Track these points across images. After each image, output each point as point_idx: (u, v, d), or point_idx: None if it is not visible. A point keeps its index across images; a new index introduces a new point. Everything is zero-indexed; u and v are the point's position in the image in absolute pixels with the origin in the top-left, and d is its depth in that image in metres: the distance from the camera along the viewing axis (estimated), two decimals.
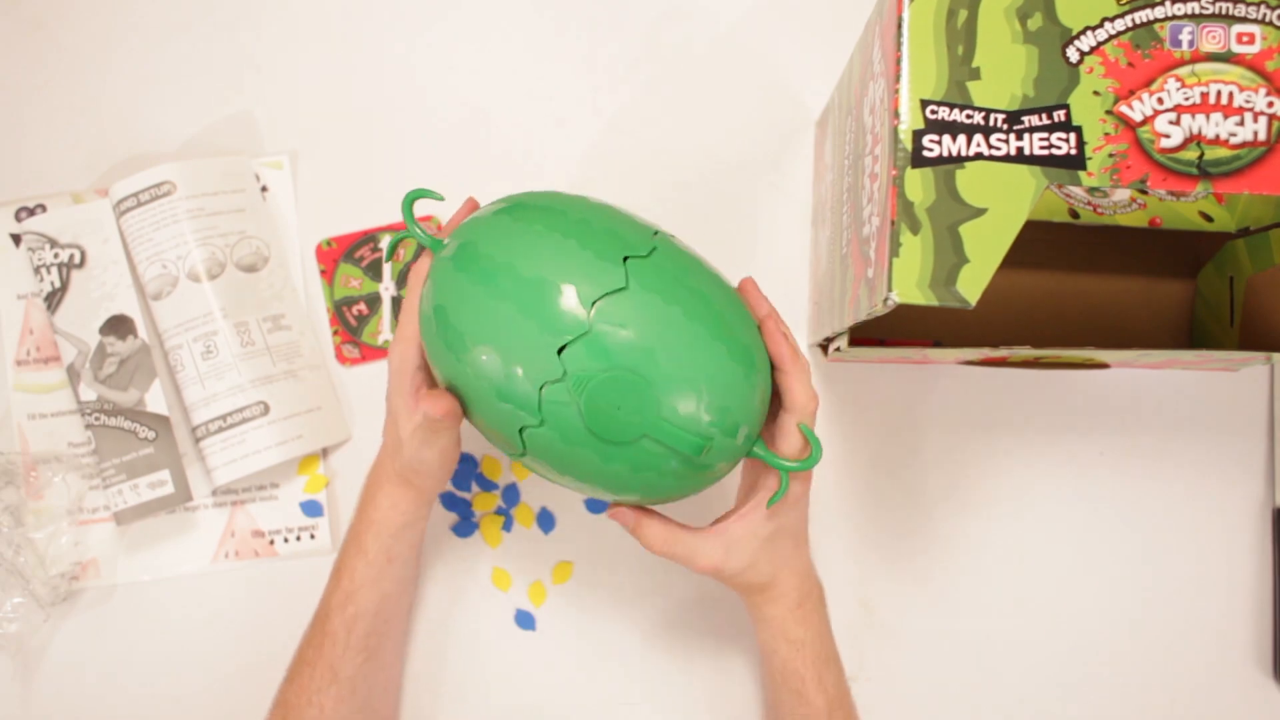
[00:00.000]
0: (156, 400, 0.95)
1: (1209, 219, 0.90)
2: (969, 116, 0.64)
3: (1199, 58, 0.65)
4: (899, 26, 0.65)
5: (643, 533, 0.78)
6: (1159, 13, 0.65)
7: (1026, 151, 0.64)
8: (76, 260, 0.96)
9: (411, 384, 0.78)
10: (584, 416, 0.68)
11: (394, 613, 0.89)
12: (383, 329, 0.98)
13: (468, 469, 0.97)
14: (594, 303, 0.68)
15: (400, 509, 0.85)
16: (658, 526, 0.78)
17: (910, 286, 0.63)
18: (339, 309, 0.98)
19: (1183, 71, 0.64)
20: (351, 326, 0.98)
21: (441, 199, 0.76)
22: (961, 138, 0.64)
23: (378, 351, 0.98)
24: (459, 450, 0.83)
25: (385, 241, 0.98)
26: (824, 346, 0.89)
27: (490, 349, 0.70)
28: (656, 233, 0.73)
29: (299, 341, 0.97)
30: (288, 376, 0.96)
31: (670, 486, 0.72)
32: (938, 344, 0.93)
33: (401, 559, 0.87)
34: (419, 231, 0.76)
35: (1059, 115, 0.64)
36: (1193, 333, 0.94)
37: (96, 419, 0.95)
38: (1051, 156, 0.64)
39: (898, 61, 0.65)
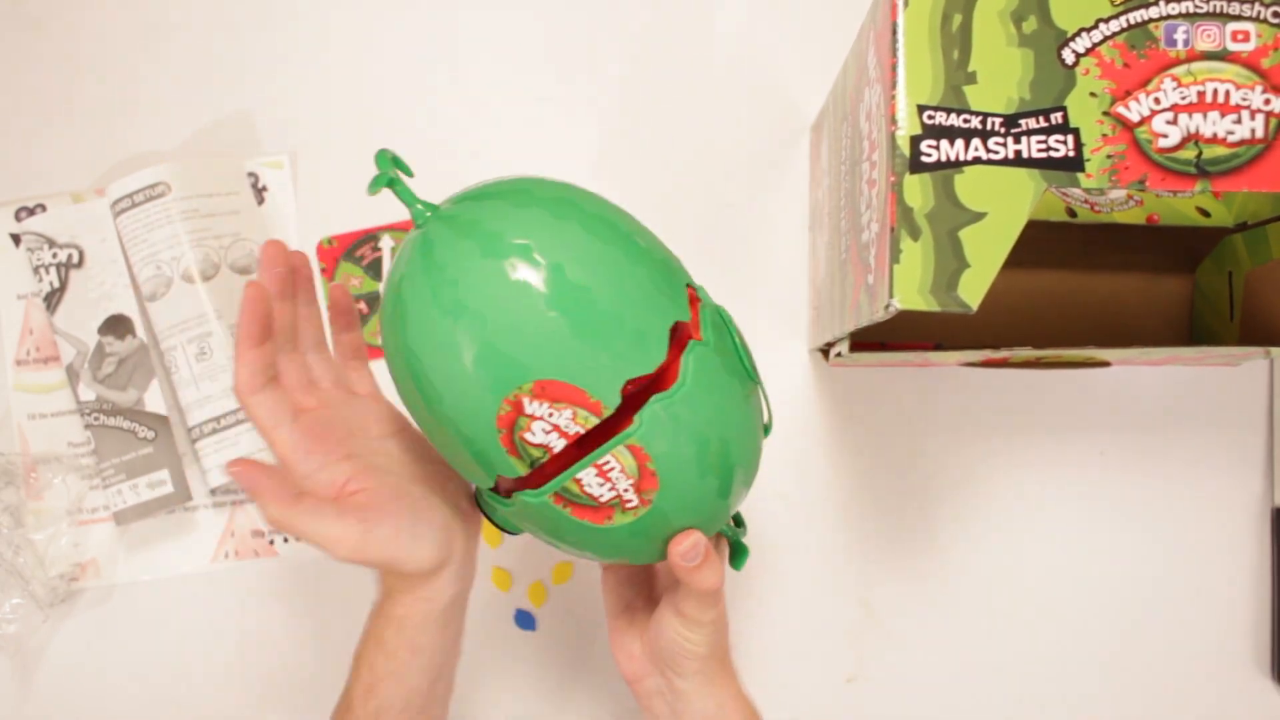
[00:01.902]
0: (155, 400, 0.95)
1: (1206, 214, 0.90)
2: (966, 121, 0.64)
3: (1195, 57, 0.64)
4: (894, 32, 0.65)
5: (710, 569, 0.70)
6: (1153, 12, 0.64)
7: (1024, 154, 0.64)
8: (75, 260, 0.96)
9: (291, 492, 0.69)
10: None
11: (427, 701, 0.78)
12: None
13: None
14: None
15: (419, 597, 0.75)
16: (716, 564, 0.70)
17: (911, 293, 0.63)
18: None
19: (1179, 71, 0.64)
20: None
21: (411, 174, 0.68)
22: (959, 142, 0.64)
23: (378, 351, 0.98)
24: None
25: (386, 240, 0.98)
26: (825, 351, 0.89)
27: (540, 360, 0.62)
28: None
29: None
30: None
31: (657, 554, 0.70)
32: (939, 346, 0.93)
33: (431, 649, 0.76)
34: (403, 190, 0.66)
35: (1056, 117, 0.64)
36: (1192, 328, 0.94)
37: (96, 419, 0.95)
38: (1050, 159, 0.64)
39: (893, 67, 0.65)
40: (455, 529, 0.74)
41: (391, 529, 0.70)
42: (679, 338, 0.65)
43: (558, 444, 0.63)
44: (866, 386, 0.95)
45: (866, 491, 0.94)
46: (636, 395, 0.64)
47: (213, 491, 0.97)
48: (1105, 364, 0.92)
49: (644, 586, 0.81)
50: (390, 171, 0.66)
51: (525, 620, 0.96)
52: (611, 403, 0.62)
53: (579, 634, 0.96)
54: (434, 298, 0.62)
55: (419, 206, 0.65)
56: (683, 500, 0.66)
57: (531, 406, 0.62)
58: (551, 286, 0.61)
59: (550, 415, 0.62)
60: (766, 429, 0.73)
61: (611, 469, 0.64)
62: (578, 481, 0.64)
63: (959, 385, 0.95)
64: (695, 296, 0.68)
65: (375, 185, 0.65)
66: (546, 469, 0.65)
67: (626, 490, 0.65)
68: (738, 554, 0.76)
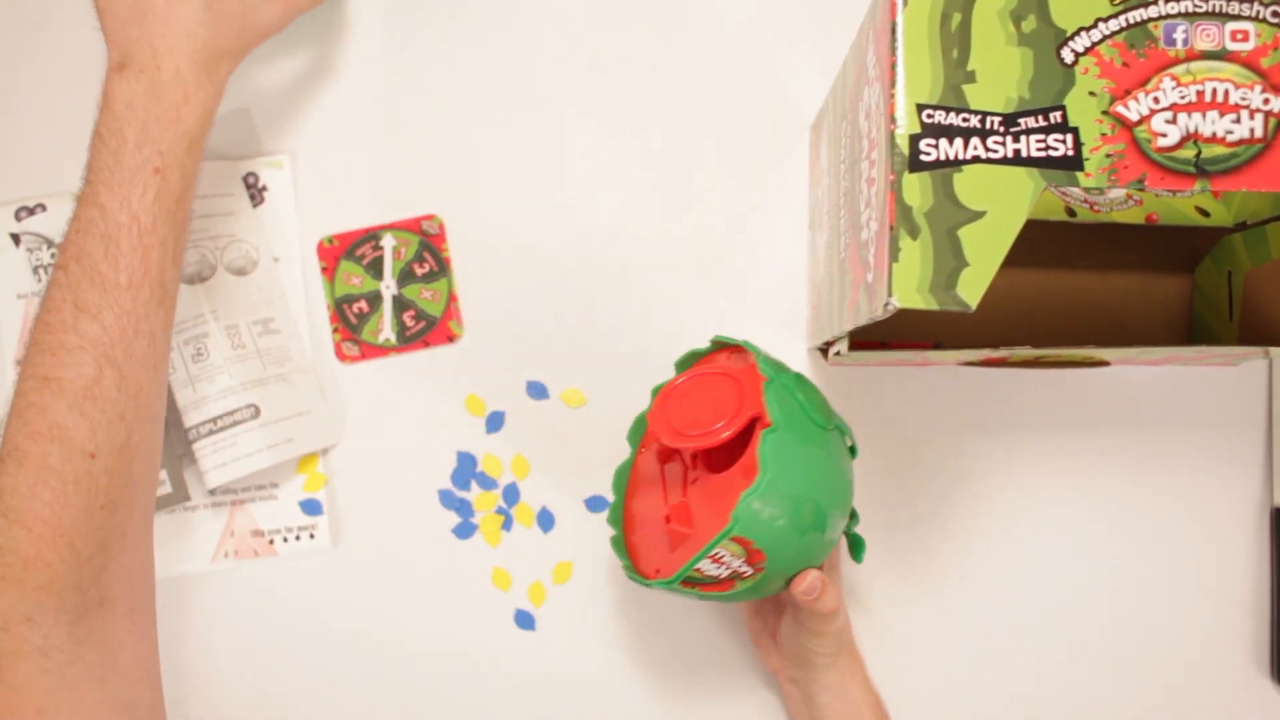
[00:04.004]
0: None
1: (1206, 214, 0.90)
2: (965, 120, 0.64)
3: (1194, 56, 0.64)
4: (893, 31, 0.65)
5: (827, 596, 0.79)
6: (1152, 12, 0.64)
7: (1024, 153, 0.64)
8: None
9: None
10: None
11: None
12: (383, 327, 0.98)
13: (467, 468, 0.97)
14: None
15: (209, 109, 0.79)
16: (832, 587, 0.79)
17: (910, 291, 0.63)
18: (339, 306, 0.98)
19: (1178, 70, 0.64)
20: (352, 324, 0.98)
21: None
22: (958, 141, 0.64)
23: (377, 350, 0.98)
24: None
25: (388, 240, 0.98)
26: (824, 350, 0.89)
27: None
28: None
29: (288, 345, 0.97)
30: (278, 380, 0.96)
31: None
32: (938, 346, 0.93)
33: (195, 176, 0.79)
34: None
35: (1055, 117, 0.64)
36: (1192, 327, 0.94)
37: None
38: (1049, 158, 0.64)
39: (892, 66, 0.65)
40: None
41: None
42: (750, 429, 0.76)
43: None
44: (865, 385, 0.95)
45: (865, 490, 0.94)
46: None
47: (211, 492, 0.97)
48: (1104, 364, 0.92)
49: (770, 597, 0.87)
50: None
51: (525, 620, 0.96)
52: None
53: (579, 634, 0.96)
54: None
55: None
56: (790, 558, 0.75)
57: None
58: None
59: None
60: (853, 451, 0.82)
61: (722, 556, 0.73)
62: (698, 570, 0.74)
63: (958, 385, 0.95)
64: (759, 373, 0.77)
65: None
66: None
67: (740, 567, 0.74)
68: (856, 547, 0.84)
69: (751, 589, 0.77)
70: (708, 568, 0.74)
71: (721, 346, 0.86)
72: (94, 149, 0.77)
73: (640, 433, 0.88)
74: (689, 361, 0.86)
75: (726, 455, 0.78)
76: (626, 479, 0.87)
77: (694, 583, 0.76)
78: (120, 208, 0.74)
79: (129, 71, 0.78)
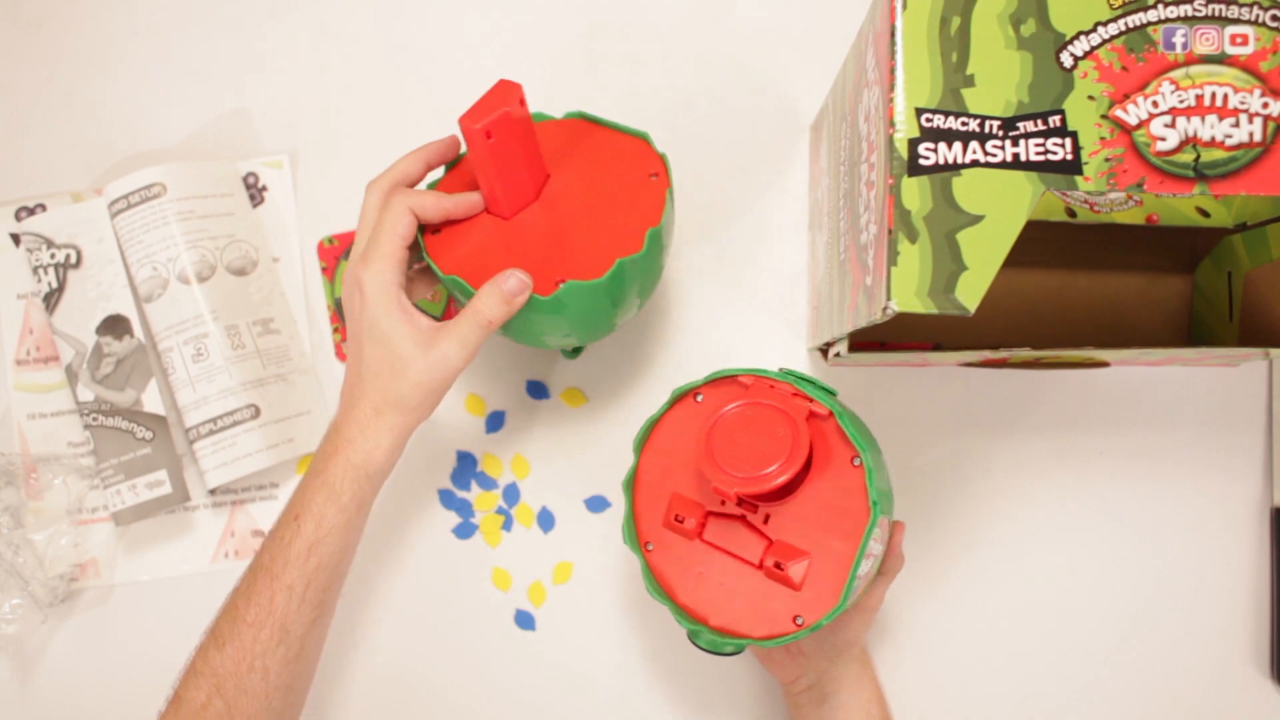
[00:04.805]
0: (153, 400, 0.95)
1: (1206, 215, 0.90)
2: (964, 124, 0.64)
3: (1193, 60, 0.64)
4: (892, 35, 0.65)
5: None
6: (1152, 16, 0.64)
7: (1023, 158, 0.64)
8: (73, 260, 0.96)
9: (400, 294, 0.78)
10: None
11: (349, 564, 0.83)
12: None
13: (468, 468, 0.97)
14: None
15: (384, 447, 0.79)
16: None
17: (909, 295, 0.63)
18: (339, 306, 0.98)
19: (1177, 74, 0.64)
20: None
21: None
22: (957, 145, 0.64)
23: None
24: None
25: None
26: (824, 350, 0.89)
27: None
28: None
29: (288, 346, 0.98)
30: (278, 380, 0.96)
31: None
32: (938, 347, 0.93)
33: (369, 505, 0.81)
34: None
35: (1054, 121, 0.64)
36: (1192, 328, 0.94)
37: (94, 419, 0.95)
38: (1048, 162, 0.64)
39: (892, 70, 0.65)
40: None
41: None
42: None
43: None
44: (865, 386, 0.95)
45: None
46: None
47: (211, 492, 0.98)
48: (1104, 364, 0.92)
49: None
50: None
51: (525, 620, 0.96)
52: None
53: (579, 634, 0.96)
54: None
55: None
56: (891, 515, 0.77)
57: None
58: None
59: None
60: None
61: (871, 547, 0.72)
62: (860, 579, 0.72)
63: (958, 385, 0.95)
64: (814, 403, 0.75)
65: None
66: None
67: (878, 549, 0.74)
68: None
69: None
70: (865, 569, 0.72)
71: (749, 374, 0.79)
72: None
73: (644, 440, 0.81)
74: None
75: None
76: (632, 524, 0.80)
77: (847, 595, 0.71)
78: (267, 548, 0.79)
79: (332, 421, 0.83)
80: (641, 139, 0.85)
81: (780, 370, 0.76)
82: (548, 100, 0.98)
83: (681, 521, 0.76)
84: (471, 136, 0.77)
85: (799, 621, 0.71)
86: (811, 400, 0.73)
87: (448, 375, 0.79)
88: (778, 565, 0.72)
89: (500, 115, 0.77)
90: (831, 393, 0.76)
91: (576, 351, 0.95)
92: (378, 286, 0.78)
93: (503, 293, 0.78)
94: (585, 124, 0.87)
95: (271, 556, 0.78)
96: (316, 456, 0.80)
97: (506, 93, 0.78)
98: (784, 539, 0.73)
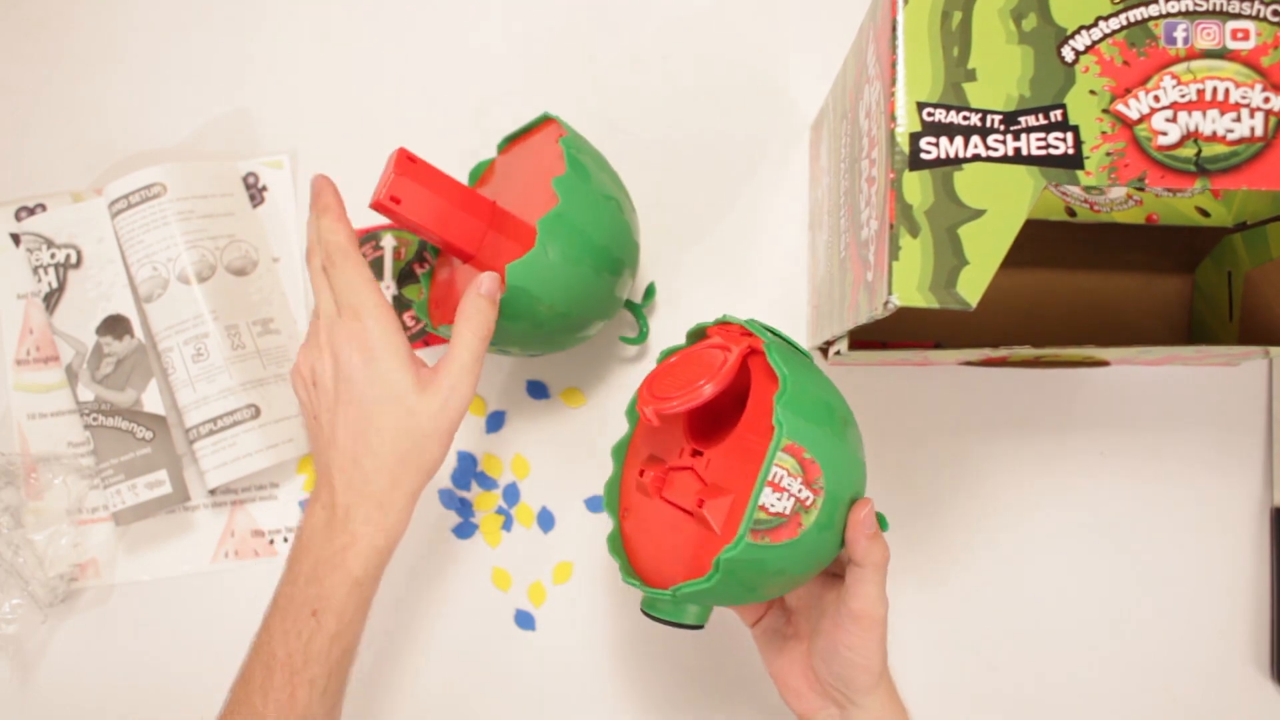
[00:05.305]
0: (153, 400, 0.95)
1: (1206, 214, 0.90)
2: (965, 118, 0.64)
3: (1194, 55, 0.64)
4: (893, 29, 0.65)
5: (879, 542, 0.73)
6: (1153, 10, 0.64)
7: (1024, 152, 0.64)
8: (73, 260, 0.96)
9: (415, 363, 0.76)
10: None
11: (359, 646, 0.79)
12: None
13: (468, 468, 0.97)
14: None
15: (406, 519, 0.77)
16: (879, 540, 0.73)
17: (910, 289, 0.63)
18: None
19: (1179, 69, 0.64)
20: None
21: None
22: (959, 139, 0.64)
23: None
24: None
25: (388, 240, 0.98)
26: (824, 349, 0.89)
27: None
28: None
29: (288, 346, 0.98)
30: (278, 380, 0.96)
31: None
32: (938, 345, 0.93)
33: (376, 589, 0.78)
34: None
35: (1055, 115, 0.64)
36: (1192, 328, 0.94)
37: (95, 419, 0.95)
38: (1049, 156, 0.64)
39: (893, 65, 0.65)
40: None
41: None
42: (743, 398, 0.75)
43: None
44: (866, 385, 0.95)
45: (867, 491, 0.94)
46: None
47: (211, 492, 0.97)
48: (1104, 363, 0.92)
49: (787, 624, 0.81)
50: None
51: (525, 620, 0.96)
52: None
53: (579, 634, 0.96)
54: None
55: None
56: (839, 471, 0.71)
57: None
58: None
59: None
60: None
61: (781, 479, 0.68)
62: (763, 509, 0.68)
63: (958, 384, 0.95)
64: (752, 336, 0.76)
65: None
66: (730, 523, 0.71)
67: (800, 490, 0.69)
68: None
69: (817, 532, 0.69)
70: (771, 501, 0.67)
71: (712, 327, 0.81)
72: (287, 564, 0.78)
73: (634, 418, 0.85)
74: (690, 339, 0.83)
75: (723, 430, 0.76)
76: (618, 493, 0.84)
77: (765, 529, 0.68)
78: (281, 642, 0.75)
79: (318, 502, 0.77)
80: (551, 120, 0.89)
81: (747, 320, 0.77)
82: (548, 100, 0.98)
83: (643, 476, 0.77)
84: (385, 211, 0.81)
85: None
86: (752, 335, 0.75)
87: (463, 408, 0.76)
88: (700, 505, 0.72)
89: (390, 181, 0.80)
90: (791, 343, 0.77)
91: (640, 337, 0.95)
92: (396, 368, 0.75)
93: (482, 298, 0.77)
94: (516, 143, 0.93)
95: (289, 652, 0.75)
96: (320, 544, 0.76)
97: (393, 161, 0.81)
98: (717, 482, 0.73)
